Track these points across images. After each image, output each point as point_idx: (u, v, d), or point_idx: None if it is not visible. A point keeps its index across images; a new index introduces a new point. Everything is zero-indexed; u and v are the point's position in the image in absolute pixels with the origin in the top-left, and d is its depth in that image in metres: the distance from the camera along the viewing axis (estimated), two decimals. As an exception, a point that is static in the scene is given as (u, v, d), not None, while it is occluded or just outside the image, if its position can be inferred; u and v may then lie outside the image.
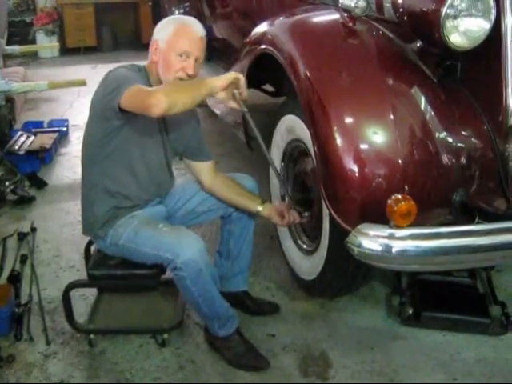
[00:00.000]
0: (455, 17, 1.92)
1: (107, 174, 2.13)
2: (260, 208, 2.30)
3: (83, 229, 2.27)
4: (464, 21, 1.93)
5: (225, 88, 2.02)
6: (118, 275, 2.22)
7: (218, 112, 3.64)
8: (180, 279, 2.01)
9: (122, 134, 2.07)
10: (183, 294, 2.11)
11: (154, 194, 2.25)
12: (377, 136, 1.96)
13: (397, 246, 1.82)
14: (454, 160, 1.99)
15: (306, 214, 2.37)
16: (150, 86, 2.08)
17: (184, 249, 1.98)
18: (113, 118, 2.01)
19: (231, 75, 2.04)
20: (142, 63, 2.19)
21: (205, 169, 2.32)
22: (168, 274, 2.14)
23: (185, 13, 5.08)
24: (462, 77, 2.10)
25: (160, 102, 1.83)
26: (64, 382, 2.11)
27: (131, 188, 2.16)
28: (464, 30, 1.94)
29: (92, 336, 2.28)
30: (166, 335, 2.28)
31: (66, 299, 2.24)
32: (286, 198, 2.44)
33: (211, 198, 2.34)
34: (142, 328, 2.36)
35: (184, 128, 2.25)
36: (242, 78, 2.06)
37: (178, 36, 2.08)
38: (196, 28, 2.13)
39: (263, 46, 2.51)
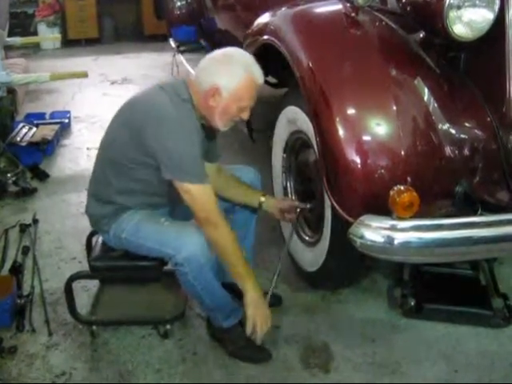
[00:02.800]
0: (459, 7, 1.92)
1: (123, 191, 2.11)
2: (260, 203, 2.30)
3: (88, 219, 2.28)
4: (468, 11, 1.92)
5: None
6: (120, 267, 2.23)
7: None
8: (182, 274, 2.01)
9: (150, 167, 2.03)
10: (185, 288, 2.11)
11: (167, 204, 2.24)
12: (379, 127, 1.95)
13: (399, 237, 1.81)
14: (456, 151, 1.98)
15: (308, 206, 2.38)
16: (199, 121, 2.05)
17: (185, 244, 1.97)
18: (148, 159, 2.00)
19: (261, 318, 2.07)
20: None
21: (209, 168, 2.30)
22: (170, 265, 2.14)
23: (187, 4, 5.06)
24: (466, 68, 2.09)
25: (211, 234, 1.98)
26: (66, 373, 2.12)
27: (144, 204, 2.15)
28: (467, 20, 1.93)
29: (94, 327, 2.28)
30: (168, 326, 2.28)
31: (68, 291, 2.24)
32: (289, 189, 2.45)
33: (214, 191, 2.34)
34: (144, 319, 2.36)
35: (208, 150, 2.19)
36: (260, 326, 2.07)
37: (244, 91, 1.98)
38: (259, 77, 2.01)
39: (265, 37, 2.50)
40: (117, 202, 2.12)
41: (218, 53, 2.05)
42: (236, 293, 2.31)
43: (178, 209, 2.31)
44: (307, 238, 2.53)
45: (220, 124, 2.05)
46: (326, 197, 2.13)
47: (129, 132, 2.04)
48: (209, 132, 2.15)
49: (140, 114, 2.01)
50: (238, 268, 2.06)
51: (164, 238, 2.03)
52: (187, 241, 1.98)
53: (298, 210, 2.37)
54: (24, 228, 3.09)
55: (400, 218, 1.81)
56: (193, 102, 2.03)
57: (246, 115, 2.06)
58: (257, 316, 2.07)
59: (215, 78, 1.98)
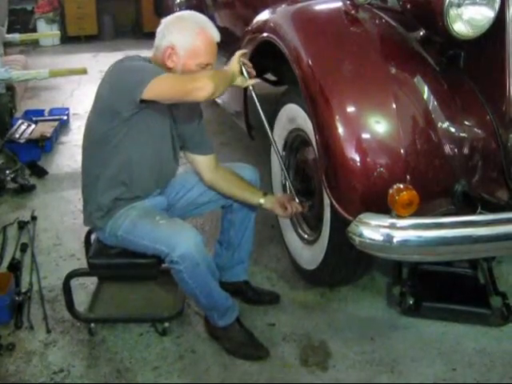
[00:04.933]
0: (459, 5, 1.91)
1: (110, 165, 2.10)
2: (262, 201, 2.28)
3: (84, 219, 2.26)
4: (468, 9, 1.92)
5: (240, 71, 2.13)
6: (119, 264, 2.22)
7: (219, 101, 3.62)
8: (177, 272, 2.01)
9: (130, 125, 2.03)
10: (181, 286, 2.10)
11: (157, 183, 2.23)
12: (379, 125, 1.94)
13: (398, 235, 1.81)
14: (456, 150, 1.98)
15: (308, 203, 2.36)
16: None
17: (180, 243, 1.97)
18: (123, 111, 1.98)
19: (237, 56, 2.14)
20: (143, 54, 2.16)
21: (205, 162, 2.29)
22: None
23: (186, 1, 5.05)
24: (466, 66, 2.09)
25: (207, 85, 1.89)
26: (64, 370, 2.11)
27: (134, 177, 2.13)
28: (468, 18, 1.92)
29: (92, 325, 2.28)
30: (166, 324, 2.27)
31: (67, 288, 2.24)
32: (288, 186, 2.43)
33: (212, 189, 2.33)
34: (142, 317, 2.36)
35: (189, 120, 2.23)
36: (243, 52, 2.17)
37: (200, 47, 2.03)
38: (213, 33, 2.08)
39: (265, 34, 2.49)
40: (107, 181, 2.11)
41: (169, 16, 2.13)
42: (234, 292, 2.31)
43: (174, 207, 2.31)
44: (306, 236, 2.52)
45: None
46: (324, 195, 2.13)
47: (97, 105, 2.08)
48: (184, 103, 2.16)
49: (102, 85, 2.07)
50: (225, 76, 2.08)
51: (159, 235, 2.02)
52: (182, 239, 1.98)
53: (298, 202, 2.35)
54: (22, 225, 3.09)
55: (399, 217, 1.81)
56: None
57: None
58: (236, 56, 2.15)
59: (169, 38, 2.04)
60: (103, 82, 2.07)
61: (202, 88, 1.89)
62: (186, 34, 2.03)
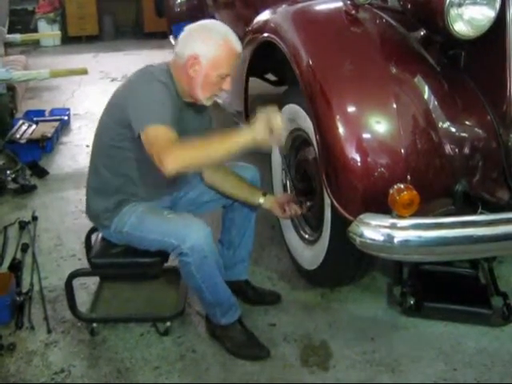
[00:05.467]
0: (460, 4, 1.91)
1: (120, 174, 2.11)
2: (261, 201, 2.29)
3: (87, 215, 2.27)
4: (468, 9, 1.92)
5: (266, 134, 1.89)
6: (121, 264, 2.23)
7: (219, 101, 3.62)
8: (185, 265, 2.02)
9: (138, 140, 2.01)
10: (187, 279, 2.11)
11: (166, 192, 2.25)
12: (379, 125, 1.94)
13: (399, 235, 1.81)
14: (456, 150, 1.98)
15: (308, 204, 2.36)
16: (178, 99, 2.05)
17: (190, 234, 1.98)
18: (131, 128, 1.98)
19: (263, 118, 1.87)
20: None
21: None
22: (171, 262, 2.17)
23: (187, 1, 5.05)
24: (466, 66, 2.09)
25: (171, 167, 1.79)
26: (65, 370, 2.11)
27: (144, 188, 2.15)
28: (468, 18, 1.93)
29: (94, 325, 2.28)
30: (167, 324, 2.28)
31: (69, 288, 2.24)
32: (289, 186, 2.43)
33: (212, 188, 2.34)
34: (143, 316, 2.36)
35: (199, 125, 2.22)
36: (275, 114, 1.89)
37: (223, 58, 1.99)
38: (237, 45, 2.03)
39: (266, 35, 2.50)
40: (116, 188, 2.12)
41: (193, 25, 2.08)
42: (235, 291, 2.31)
43: (176, 206, 2.31)
44: (307, 237, 2.52)
45: (202, 96, 2.05)
46: (325, 195, 2.13)
47: (111, 113, 2.08)
48: (197, 110, 2.16)
49: (119, 94, 2.07)
50: (221, 144, 1.87)
51: (168, 228, 2.04)
52: (191, 231, 1.99)
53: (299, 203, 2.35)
54: (23, 225, 3.09)
55: (400, 217, 1.81)
56: (174, 84, 2.05)
57: (226, 85, 2.05)
58: (266, 114, 1.88)
59: (193, 47, 2.00)
60: (124, 88, 2.07)
61: (165, 166, 1.79)
62: (210, 44, 1.99)
